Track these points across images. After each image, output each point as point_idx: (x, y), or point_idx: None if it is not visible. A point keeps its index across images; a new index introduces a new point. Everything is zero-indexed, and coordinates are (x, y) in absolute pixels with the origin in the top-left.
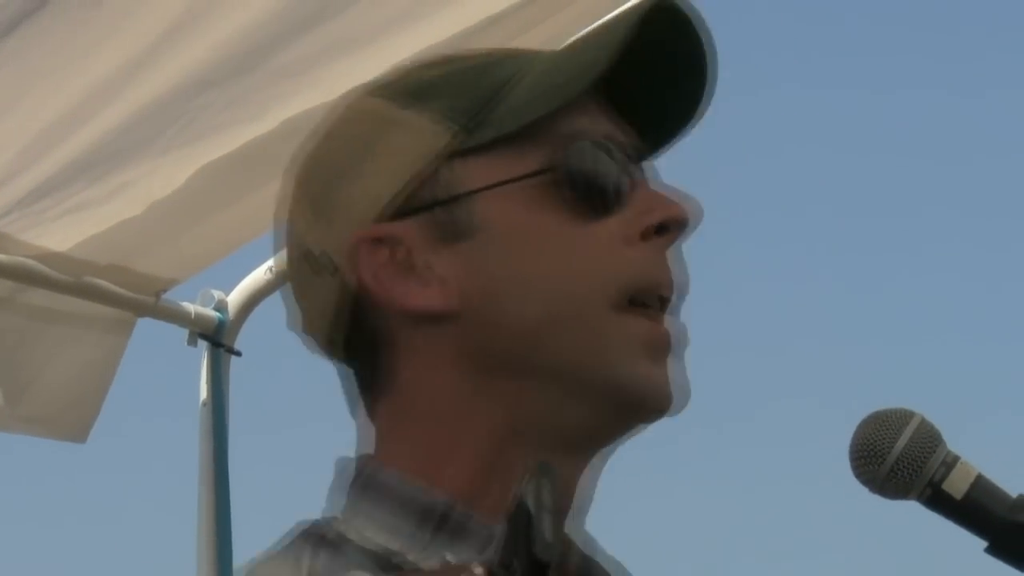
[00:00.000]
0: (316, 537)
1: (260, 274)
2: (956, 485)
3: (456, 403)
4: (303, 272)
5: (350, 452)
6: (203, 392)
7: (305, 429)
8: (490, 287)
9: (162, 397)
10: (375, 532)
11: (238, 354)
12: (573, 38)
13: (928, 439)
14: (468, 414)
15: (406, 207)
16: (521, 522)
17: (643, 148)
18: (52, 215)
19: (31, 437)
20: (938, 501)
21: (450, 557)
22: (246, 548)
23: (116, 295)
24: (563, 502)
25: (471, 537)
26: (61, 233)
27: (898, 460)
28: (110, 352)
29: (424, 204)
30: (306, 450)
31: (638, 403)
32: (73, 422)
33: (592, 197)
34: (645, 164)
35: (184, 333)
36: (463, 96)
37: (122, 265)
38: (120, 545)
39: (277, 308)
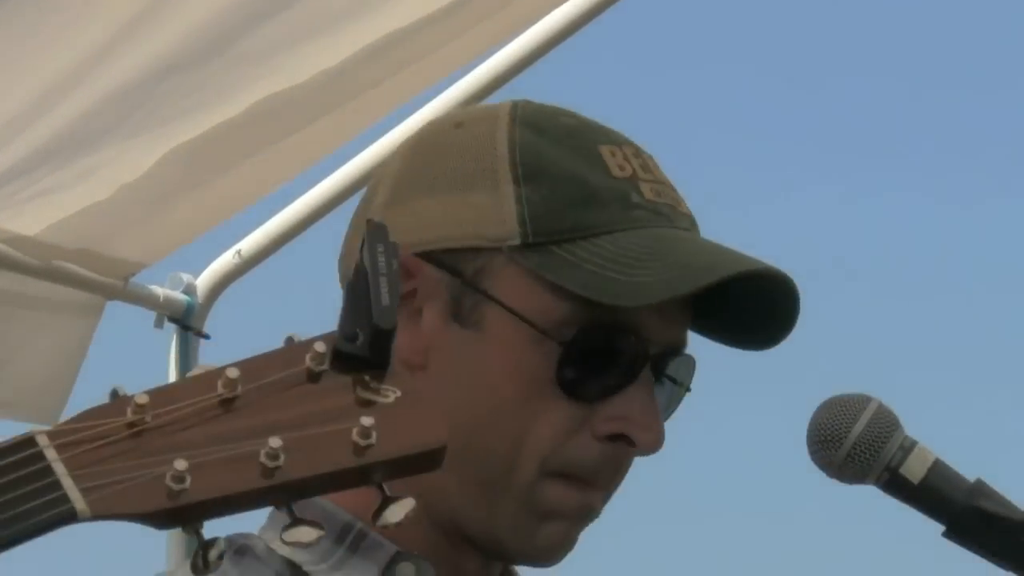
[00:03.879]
0: (236, 544)
1: (228, 258)
2: (913, 470)
3: None
4: (358, 228)
5: None
6: (172, 375)
7: None
8: (453, 384)
9: (131, 380)
10: (280, 544)
11: (207, 337)
12: None
13: (885, 424)
14: None
15: (439, 257)
16: (360, 289)
17: (680, 339)
18: (20, 199)
19: (1, 420)
20: (896, 485)
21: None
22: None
23: (85, 279)
24: None
25: (377, 552)
26: (29, 217)
27: (855, 445)
28: (80, 336)
29: (455, 271)
30: None
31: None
32: (43, 406)
33: (587, 376)
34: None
35: (152, 316)
36: (557, 210)
37: (91, 249)
38: (87, 531)
39: (245, 292)
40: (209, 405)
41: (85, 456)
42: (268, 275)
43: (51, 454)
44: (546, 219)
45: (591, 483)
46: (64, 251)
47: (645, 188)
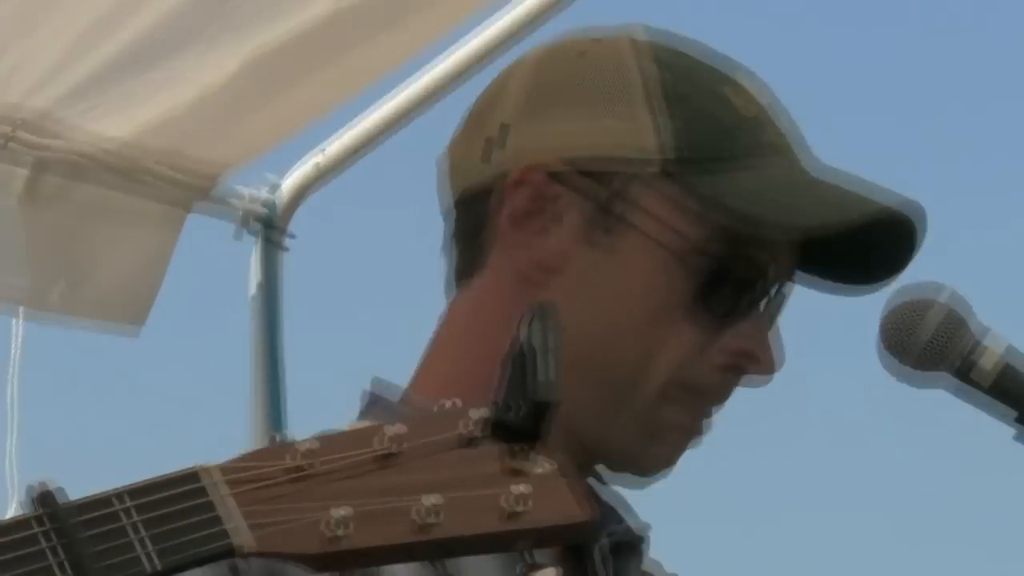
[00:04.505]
0: None
1: (312, 162)
2: (987, 357)
3: (502, 352)
4: (475, 139)
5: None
6: (254, 279)
7: (356, 318)
8: (582, 301)
9: (215, 285)
10: None
11: (290, 239)
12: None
13: (958, 313)
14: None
15: (580, 173)
16: (520, 363)
17: (789, 275)
18: (105, 105)
19: (87, 328)
20: (968, 375)
21: None
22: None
23: (169, 182)
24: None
25: None
26: (114, 122)
27: (934, 335)
28: (163, 242)
29: (590, 191)
30: (357, 338)
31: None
32: (130, 310)
33: (715, 303)
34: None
35: (235, 222)
36: (696, 139)
37: (174, 153)
38: (174, 435)
39: (327, 197)
40: (369, 459)
41: (252, 494)
42: (350, 181)
43: (217, 490)
44: (685, 147)
45: (703, 407)
46: (148, 155)
47: (770, 127)
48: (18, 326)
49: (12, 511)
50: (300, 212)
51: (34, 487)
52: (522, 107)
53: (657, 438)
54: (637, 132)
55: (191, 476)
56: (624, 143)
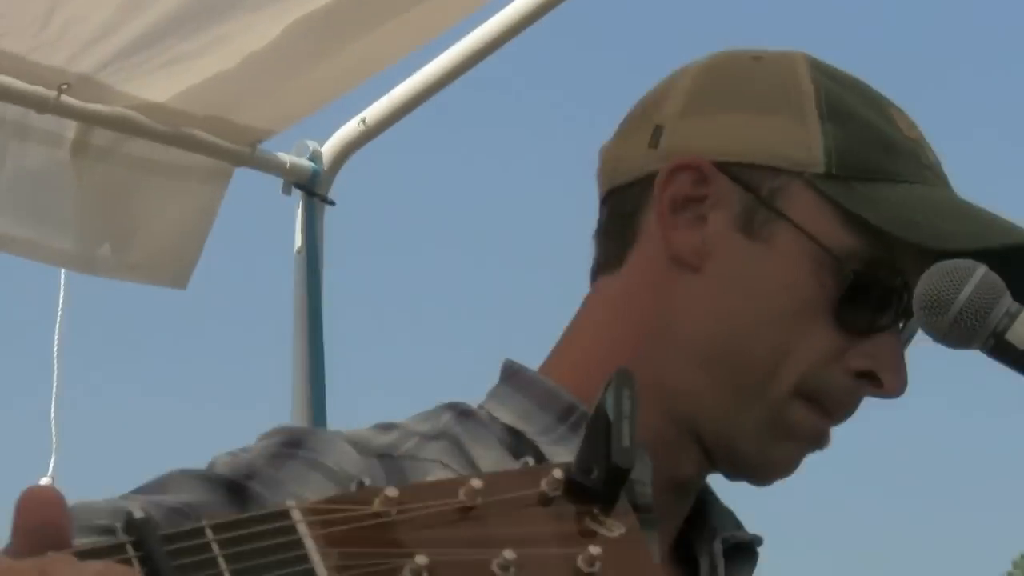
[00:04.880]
0: (460, 408)
1: (353, 126)
2: (1020, 334)
3: (638, 339)
4: (638, 132)
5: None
6: (297, 240)
7: (396, 276)
8: (730, 288)
9: (259, 245)
10: (506, 411)
11: (331, 203)
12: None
13: (992, 289)
14: (646, 352)
15: (736, 170)
16: (600, 427)
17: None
18: (150, 67)
19: (135, 283)
20: (1001, 350)
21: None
22: (339, 391)
23: (213, 145)
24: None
25: None
26: (159, 85)
27: (962, 310)
28: (208, 201)
29: (751, 186)
30: (396, 296)
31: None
32: (174, 269)
33: (856, 313)
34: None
35: (279, 184)
36: (861, 151)
37: (219, 116)
38: (217, 387)
39: (369, 159)
40: (450, 510)
41: (335, 536)
42: (392, 143)
43: (303, 529)
44: (849, 155)
45: (832, 413)
46: (193, 118)
47: (928, 153)
48: (63, 278)
49: (53, 466)
50: (342, 175)
51: (128, 517)
52: (693, 101)
53: (780, 440)
54: (803, 136)
55: (281, 514)
56: (789, 144)
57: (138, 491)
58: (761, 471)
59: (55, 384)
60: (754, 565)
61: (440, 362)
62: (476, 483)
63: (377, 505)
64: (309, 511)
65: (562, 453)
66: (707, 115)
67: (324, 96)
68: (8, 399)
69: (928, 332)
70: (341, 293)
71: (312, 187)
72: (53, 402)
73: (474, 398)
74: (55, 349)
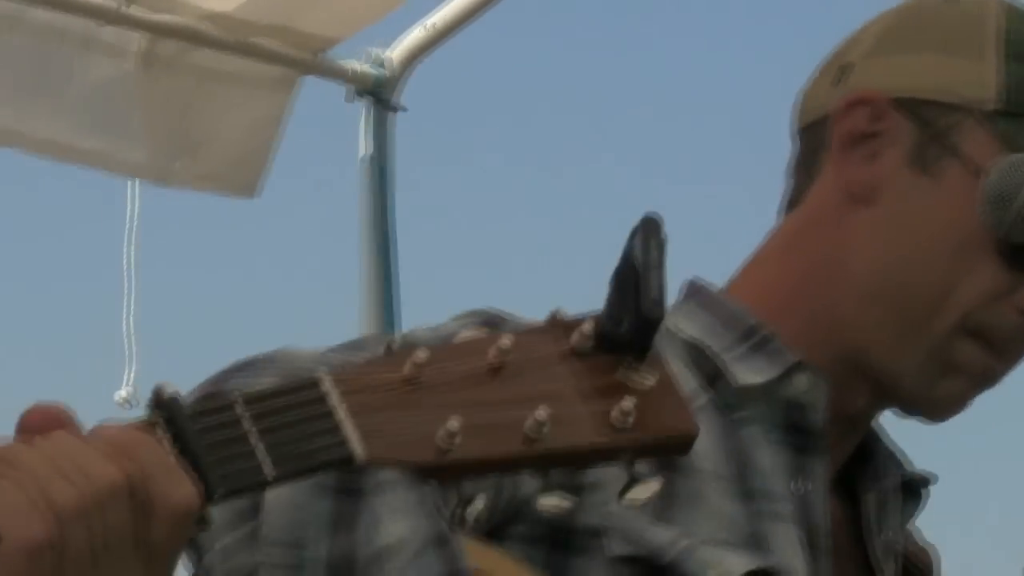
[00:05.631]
0: None
1: (419, 32)
2: None
3: (810, 272)
4: (828, 73)
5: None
6: (363, 148)
7: (465, 185)
8: (901, 222)
9: (325, 153)
10: (690, 325)
11: (398, 110)
12: None
13: None
14: (817, 285)
15: (910, 106)
16: (628, 278)
17: None
18: None
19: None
20: None
21: (757, 376)
22: (408, 299)
23: (279, 54)
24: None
25: (779, 357)
26: None
27: None
28: (274, 110)
29: (925, 122)
30: (465, 203)
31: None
32: (243, 178)
33: (1022, 255)
34: None
35: (344, 91)
36: None
37: (283, 25)
38: (286, 298)
39: (435, 65)
40: (480, 370)
41: (366, 403)
42: (458, 48)
43: (335, 398)
44: None
45: (1001, 352)
46: (258, 27)
47: None
48: (134, 188)
49: (132, 377)
50: (407, 81)
51: (155, 391)
52: (879, 42)
53: (948, 375)
54: (980, 73)
55: (311, 384)
56: (966, 81)
57: (337, 349)
58: (929, 407)
59: (128, 297)
60: (919, 505)
61: (513, 273)
62: (505, 342)
63: (407, 369)
64: (339, 380)
65: (744, 371)
66: (890, 55)
67: (390, 2)
68: (83, 314)
69: (994, 226)
70: (410, 202)
71: (378, 94)
72: (126, 314)
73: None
74: (126, 262)
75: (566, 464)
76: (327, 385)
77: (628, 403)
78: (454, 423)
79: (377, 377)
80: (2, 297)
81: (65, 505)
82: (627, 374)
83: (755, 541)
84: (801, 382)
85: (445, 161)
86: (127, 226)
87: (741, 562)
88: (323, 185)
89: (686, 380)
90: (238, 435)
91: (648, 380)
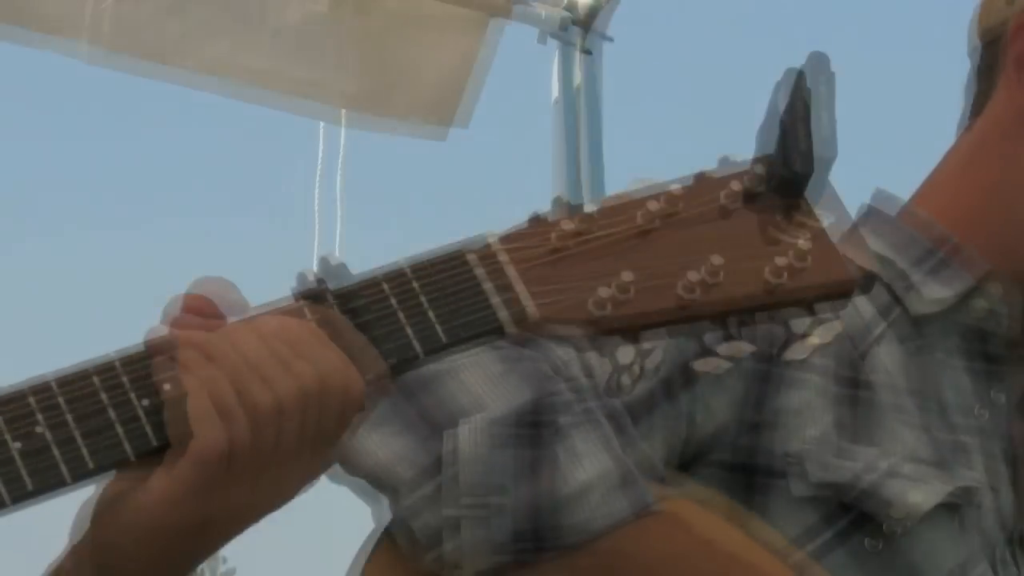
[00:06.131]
0: None
1: None
2: None
3: (980, 195)
4: None
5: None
6: (555, 90)
7: (667, 124)
8: None
9: (516, 93)
10: (876, 241)
11: (588, 53)
12: None
13: None
14: (987, 210)
15: None
16: (778, 131)
17: None
18: None
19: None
20: None
21: (940, 293)
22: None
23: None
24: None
25: (970, 267)
26: None
27: None
28: (465, 52)
29: None
30: (667, 145)
31: None
32: (437, 118)
33: None
34: None
35: (535, 32)
36: None
37: None
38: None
39: (625, 10)
40: (637, 230)
41: (533, 264)
42: None
43: (503, 257)
44: None
45: None
46: None
47: None
48: (322, 132)
49: None
50: (602, 21)
51: (304, 272)
52: None
53: None
54: None
55: (459, 255)
56: None
57: None
58: None
59: (315, 238)
60: None
61: None
62: (654, 204)
63: (559, 236)
64: (500, 242)
65: (931, 284)
66: None
67: None
68: (273, 254)
69: None
70: (607, 139)
71: (568, 37)
72: (315, 256)
73: None
74: (317, 202)
75: (727, 318)
76: (481, 253)
77: (784, 256)
78: (617, 281)
79: (540, 241)
80: (192, 236)
81: (259, 407)
82: (781, 228)
83: (949, 462)
84: (985, 298)
85: (642, 99)
86: (318, 167)
87: (929, 494)
88: (517, 125)
89: (863, 308)
90: (386, 313)
91: (802, 233)
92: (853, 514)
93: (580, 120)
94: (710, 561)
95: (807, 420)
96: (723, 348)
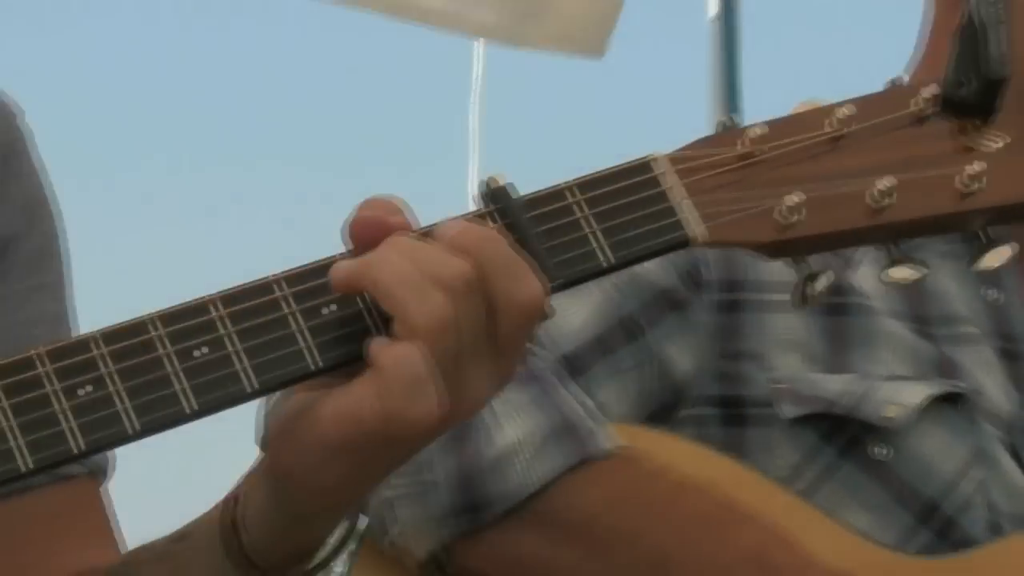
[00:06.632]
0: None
1: None
2: None
3: None
4: None
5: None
6: (712, 8)
7: (812, 45)
8: None
9: (670, 21)
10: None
11: None
12: None
13: None
14: None
15: None
16: (970, 36)
17: None
18: None
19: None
20: None
21: None
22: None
23: None
24: None
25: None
26: None
27: None
28: None
29: None
30: (811, 63)
31: None
32: (591, 38)
33: None
34: None
35: None
36: None
37: None
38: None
39: None
40: (818, 142)
41: (702, 183)
42: None
43: (671, 179)
44: None
45: None
46: None
47: None
48: (479, 50)
49: None
50: None
51: (485, 183)
52: None
53: None
54: None
55: (643, 167)
56: None
57: None
58: None
59: (472, 160)
60: None
61: None
62: (844, 111)
63: (742, 146)
64: (672, 160)
65: None
66: None
67: None
68: (429, 180)
69: None
70: (761, 65)
71: None
72: (471, 179)
73: None
74: (472, 124)
75: (913, 234)
76: (662, 166)
77: (976, 167)
78: (794, 198)
79: (713, 156)
80: (350, 161)
81: (457, 290)
82: (974, 137)
83: (940, 369)
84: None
85: (791, 22)
86: (472, 88)
87: (919, 391)
88: (670, 46)
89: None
90: (572, 222)
91: (997, 142)
92: (852, 428)
93: (739, 37)
94: (652, 492)
95: (788, 344)
96: (893, 272)
